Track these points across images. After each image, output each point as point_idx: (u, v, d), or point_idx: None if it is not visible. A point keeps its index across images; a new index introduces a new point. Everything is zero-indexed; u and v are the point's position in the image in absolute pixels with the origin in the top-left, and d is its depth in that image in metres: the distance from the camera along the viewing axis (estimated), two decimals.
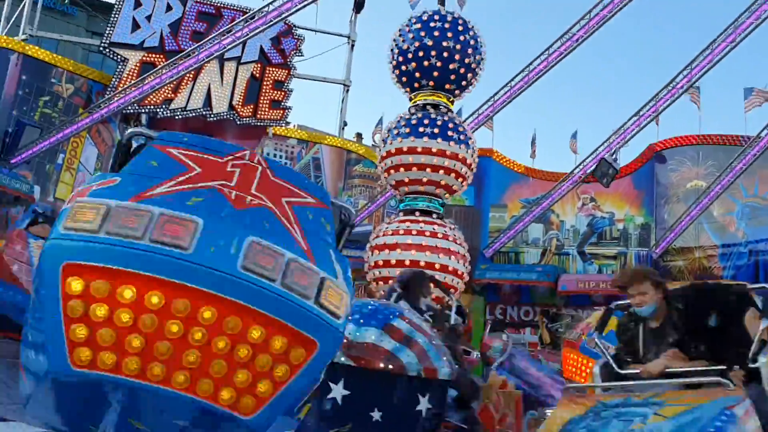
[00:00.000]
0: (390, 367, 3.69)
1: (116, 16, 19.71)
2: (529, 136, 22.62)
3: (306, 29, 22.03)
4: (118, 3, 19.82)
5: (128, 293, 2.11)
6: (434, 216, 13.94)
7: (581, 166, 19.64)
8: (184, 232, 2.13)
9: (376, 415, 3.68)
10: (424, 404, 3.72)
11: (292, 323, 2.22)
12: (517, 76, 17.60)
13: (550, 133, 60.00)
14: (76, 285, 2.10)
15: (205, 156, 2.51)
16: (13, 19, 20.67)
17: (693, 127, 20.74)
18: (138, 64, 19.52)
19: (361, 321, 3.96)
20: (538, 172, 22.03)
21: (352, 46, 23.46)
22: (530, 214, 20.24)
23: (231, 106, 20.91)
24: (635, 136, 18.79)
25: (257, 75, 21.28)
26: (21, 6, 20.71)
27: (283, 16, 16.78)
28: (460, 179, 13.97)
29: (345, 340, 3.29)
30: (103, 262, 2.11)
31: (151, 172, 2.39)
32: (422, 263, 12.54)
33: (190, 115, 20.38)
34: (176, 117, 20.32)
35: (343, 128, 23.84)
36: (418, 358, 3.72)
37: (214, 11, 20.73)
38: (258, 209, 2.31)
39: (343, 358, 3.66)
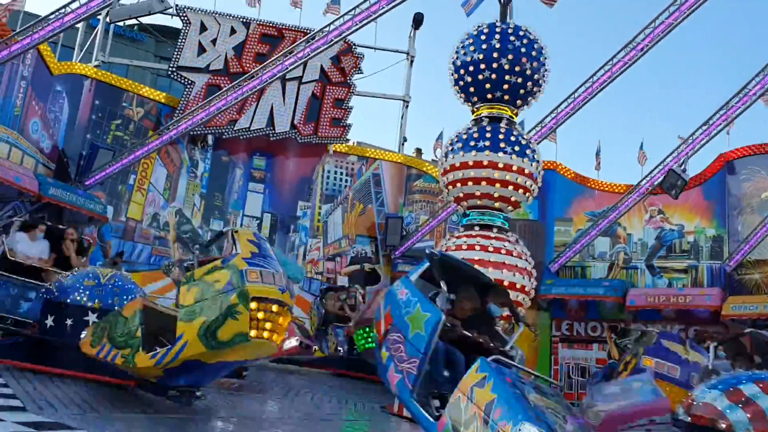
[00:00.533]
0: (718, 424, 4.13)
1: (183, 40, 20.35)
2: (594, 148, 22.19)
3: (365, 47, 22.27)
4: (184, 28, 20.46)
5: None
6: (497, 231, 13.75)
7: (648, 178, 19.15)
8: None
9: None
10: None
11: None
12: (580, 87, 17.33)
13: (615, 145, 58.80)
14: None
15: None
16: (86, 46, 21.58)
17: (766, 136, 20.01)
18: (204, 87, 20.09)
19: (711, 384, 4.70)
20: (603, 185, 21.59)
21: (412, 62, 23.58)
22: (596, 227, 19.82)
23: (293, 125, 21.27)
24: (705, 146, 18.24)
25: (318, 94, 21.60)
26: (93, 34, 21.62)
27: (344, 35, 16.98)
28: (523, 192, 13.73)
29: (689, 401, 4.49)
30: None
31: None
32: None
33: (254, 135, 20.83)
34: (240, 137, 20.81)
35: (403, 144, 23.93)
36: (751, 419, 4.14)
37: (276, 33, 21.17)
38: None
39: (687, 417, 4.43)
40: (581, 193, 21.57)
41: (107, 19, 19.75)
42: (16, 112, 16.02)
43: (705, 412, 4.36)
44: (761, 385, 4.44)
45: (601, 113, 57.21)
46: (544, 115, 18.09)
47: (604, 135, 67.19)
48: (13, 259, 9.79)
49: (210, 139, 20.92)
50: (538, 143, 17.01)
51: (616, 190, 20.91)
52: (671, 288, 19.85)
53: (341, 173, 22.59)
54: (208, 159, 21.06)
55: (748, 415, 4.21)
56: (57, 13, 13.64)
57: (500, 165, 13.22)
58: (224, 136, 20.66)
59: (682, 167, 17.53)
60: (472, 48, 13.70)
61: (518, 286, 12.84)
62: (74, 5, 13.64)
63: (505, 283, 12.53)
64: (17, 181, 14.18)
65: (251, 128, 20.70)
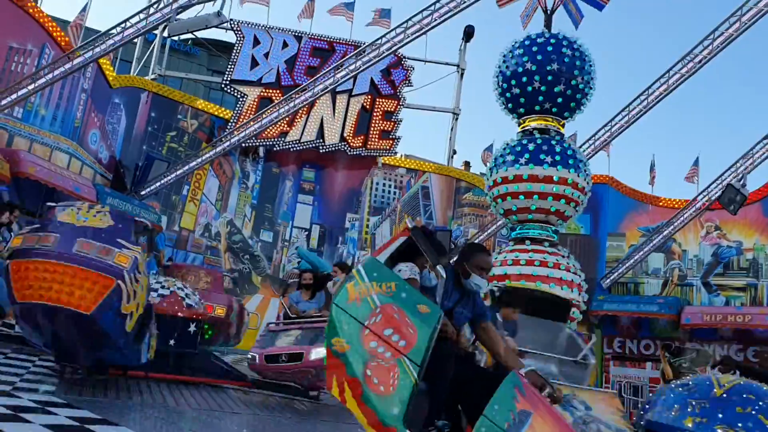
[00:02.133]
0: None
1: (236, 54, 20.73)
2: (648, 162, 21.76)
3: (416, 60, 22.31)
4: (237, 42, 20.85)
5: None
6: (546, 244, 13.56)
7: (705, 193, 18.64)
8: None
9: None
10: None
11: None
12: (635, 100, 17.00)
13: (670, 159, 57.48)
14: None
15: None
16: (143, 60, 22.17)
17: None
18: (256, 100, 20.40)
19: None
20: (658, 199, 21.11)
21: (462, 74, 23.52)
22: (650, 243, 19.35)
23: (342, 138, 21.41)
24: (765, 161, 17.68)
25: (368, 106, 21.72)
26: (150, 48, 22.20)
27: (394, 48, 17.03)
28: (572, 204, 13.53)
29: None
30: None
31: None
32: None
33: (304, 147, 21.03)
34: (291, 150, 21.03)
35: (452, 157, 23.85)
36: None
37: (327, 46, 21.40)
38: None
39: None
40: (635, 208, 21.12)
41: (164, 34, 20.28)
42: (76, 124, 16.53)
43: None
44: None
45: (656, 126, 56.22)
46: (597, 128, 17.82)
47: (659, 148, 65.86)
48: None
49: (261, 151, 21.22)
50: (591, 157, 16.76)
51: (671, 205, 20.41)
52: (729, 306, 19.22)
53: (390, 185, 22.63)
54: (259, 171, 21.35)
55: None
56: (118, 28, 14.04)
57: (550, 178, 13.06)
58: (275, 149, 20.92)
59: (741, 182, 17.01)
60: (520, 58, 13.58)
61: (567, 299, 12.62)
62: (134, 20, 14.03)
63: None
64: (76, 190, 14.61)
65: (301, 140, 20.92)
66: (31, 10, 14.84)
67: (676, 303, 19.20)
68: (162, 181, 17.85)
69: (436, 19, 15.78)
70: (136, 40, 20.95)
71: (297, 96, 17.97)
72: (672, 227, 18.99)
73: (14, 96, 13.41)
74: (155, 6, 14.21)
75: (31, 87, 13.56)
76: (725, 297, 19.79)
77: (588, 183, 13.77)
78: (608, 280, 19.91)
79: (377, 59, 17.09)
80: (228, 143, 18.54)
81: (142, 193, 17.55)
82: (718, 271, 20.10)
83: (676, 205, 20.06)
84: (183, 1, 13.81)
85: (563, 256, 13.52)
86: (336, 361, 3.51)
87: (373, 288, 3.63)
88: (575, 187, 13.32)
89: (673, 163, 58.26)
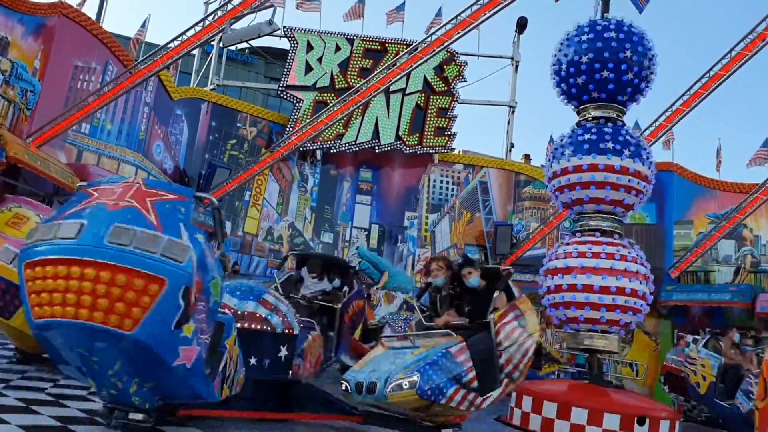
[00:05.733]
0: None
1: (290, 60, 21.09)
2: (714, 147, 21.02)
3: (469, 55, 22.20)
4: (291, 48, 21.19)
5: (50, 270, 3.76)
6: (610, 235, 13.25)
7: None
8: (73, 230, 3.80)
9: None
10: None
11: (145, 269, 3.75)
12: (697, 82, 16.46)
13: (737, 142, 55.41)
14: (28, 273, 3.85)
15: (107, 186, 4.16)
16: (202, 71, 22.79)
17: None
18: (312, 104, 20.70)
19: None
20: (725, 185, 20.37)
21: (516, 67, 23.26)
22: (719, 229, 18.71)
23: (398, 137, 21.49)
24: None
25: (422, 104, 21.72)
26: (208, 59, 22.81)
27: (446, 44, 16.99)
28: (637, 194, 13.15)
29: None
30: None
31: (70, 204, 4.11)
32: (598, 287, 11.94)
33: (360, 148, 21.21)
34: (347, 151, 21.24)
35: (510, 150, 23.59)
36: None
37: (379, 47, 21.53)
38: (126, 208, 3.92)
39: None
40: (701, 195, 20.44)
41: (221, 44, 20.77)
42: (141, 137, 17.15)
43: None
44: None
45: (721, 109, 54.22)
46: (659, 113, 17.33)
47: (724, 132, 63.52)
48: None
49: (318, 154, 21.51)
50: (652, 143, 16.32)
51: (740, 190, 19.67)
52: None
53: (447, 182, 22.57)
54: (317, 173, 21.66)
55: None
56: (175, 42, 14.46)
57: (613, 167, 12.70)
58: (332, 151, 21.17)
59: None
60: (582, 44, 13.23)
61: (632, 291, 12.29)
62: (190, 33, 14.43)
63: (627, 291, 12.06)
64: None
65: (357, 142, 21.10)
66: (93, 30, 15.46)
67: (749, 291, 18.50)
68: (225, 188, 18.28)
69: (485, 13, 15.67)
70: (194, 53, 21.57)
71: (350, 98, 18.13)
72: (742, 212, 18.33)
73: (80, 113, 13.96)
74: (209, 18, 14.59)
75: (95, 103, 14.10)
76: None
77: (652, 172, 13.34)
78: (676, 270, 19.35)
79: (428, 57, 17.07)
80: (286, 148, 18.87)
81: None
82: None
83: (746, 190, 19.34)
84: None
85: (629, 247, 13.18)
86: None
87: None
88: (639, 177, 12.90)
89: (740, 147, 56.05)
